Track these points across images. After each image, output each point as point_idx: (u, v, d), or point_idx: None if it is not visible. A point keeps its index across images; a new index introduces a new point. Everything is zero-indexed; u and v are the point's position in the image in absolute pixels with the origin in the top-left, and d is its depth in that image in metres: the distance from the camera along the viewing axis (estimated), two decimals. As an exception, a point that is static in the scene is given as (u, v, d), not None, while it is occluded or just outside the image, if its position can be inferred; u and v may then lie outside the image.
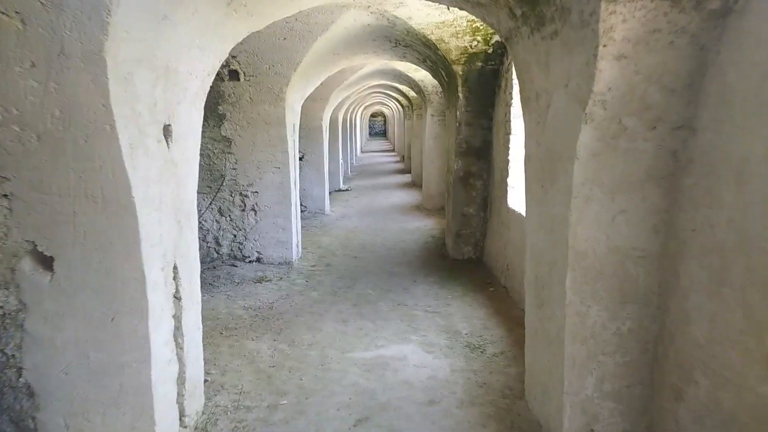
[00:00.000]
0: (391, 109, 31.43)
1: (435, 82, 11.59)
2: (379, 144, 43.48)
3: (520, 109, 6.08)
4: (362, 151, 33.96)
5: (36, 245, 2.66)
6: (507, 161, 6.26)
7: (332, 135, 15.49)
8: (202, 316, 5.80)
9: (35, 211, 2.62)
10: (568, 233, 2.85)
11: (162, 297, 3.03)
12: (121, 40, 2.42)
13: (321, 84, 10.77)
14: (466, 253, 7.53)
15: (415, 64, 8.82)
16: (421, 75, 11.40)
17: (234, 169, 7.27)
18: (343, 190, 15.96)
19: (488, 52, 6.60)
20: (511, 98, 6.16)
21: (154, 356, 2.89)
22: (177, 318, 3.27)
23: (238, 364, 4.44)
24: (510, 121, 6.19)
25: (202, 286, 6.70)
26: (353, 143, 24.91)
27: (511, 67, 6.16)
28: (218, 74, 6.66)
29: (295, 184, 7.74)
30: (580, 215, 2.82)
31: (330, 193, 15.00)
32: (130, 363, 2.84)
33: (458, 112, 7.13)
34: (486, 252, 7.33)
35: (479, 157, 7.30)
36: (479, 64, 6.72)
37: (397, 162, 26.10)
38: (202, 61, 3.44)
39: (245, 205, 7.37)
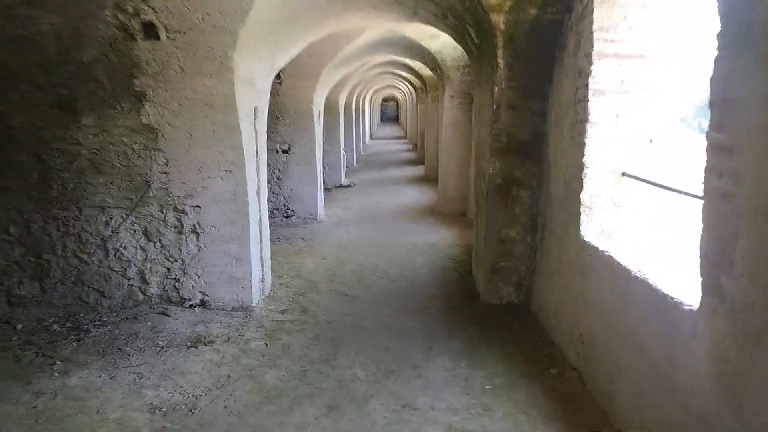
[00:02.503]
0: (403, 92, 28.96)
1: (455, 54, 9.15)
2: (391, 130, 40.96)
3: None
4: (372, 138, 31.53)
5: None
6: (580, 166, 3.86)
7: (332, 122, 13.12)
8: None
9: None
10: None
11: None
12: None
13: (308, 57, 8.42)
14: (505, 295, 5.16)
15: (431, 24, 6.40)
16: (438, 44, 8.96)
17: (164, 173, 4.94)
18: (345, 186, 13.61)
19: (549, -10, 4.18)
20: (590, 63, 3.75)
21: None
22: None
23: None
24: (587, 100, 3.78)
25: (105, 354, 4.43)
26: (361, 130, 22.50)
27: (592, 13, 3.74)
28: (125, 28, 4.30)
29: (258, 194, 5.40)
30: None
31: (329, 189, 12.74)
32: None
33: (496, 89, 4.73)
34: (536, 297, 4.95)
35: (526, 156, 4.91)
36: (533, 11, 4.30)
37: (409, 150, 23.66)
38: None
39: (182, 226, 5.05)
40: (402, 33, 8.54)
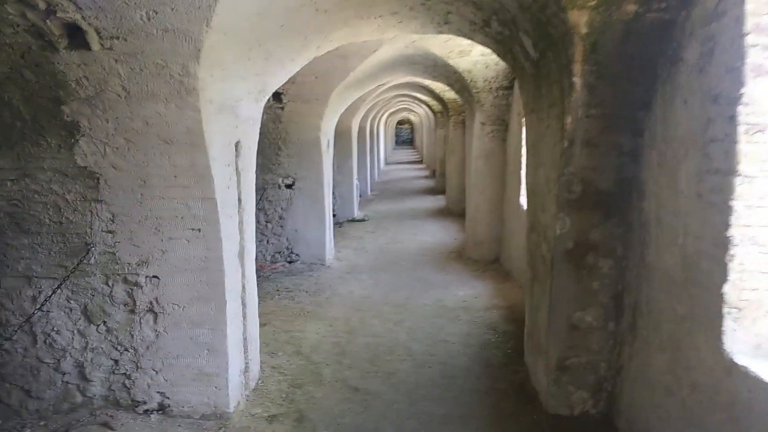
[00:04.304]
0: (419, 115, 27.78)
1: (487, 74, 7.83)
2: (406, 154, 39.74)
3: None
4: (387, 163, 30.31)
5: None
6: (721, 242, 2.47)
7: (344, 149, 11.89)
8: None
9: None
10: None
11: None
12: None
13: (315, 78, 7.17)
14: (577, 402, 3.72)
15: (464, 35, 5.10)
16: (468, 62, 7.65)
17: (109, 232, 3.62)
18: (358, 221, 12.27)
19: (657, -24, 2.83)
20: (739, 84, 2.38)
21: None
22: None
23: None
24: (734, 140, 2.40)
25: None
26: (375, 156, 21.23)
27: (741, 4, 2.38)
28: (39, 33, 3.01)
29: (242, 257, 4.06)
30: None
31: (340, 224, 11.43)
32: None
33: (569, 119, 3.36)
34: (625, 410, 3.51)
35: (608, 211, 3.52)
36: (631, 7, 2.95)
37: (426, 177, 22.32)
38: None
39: (135, 303, 3.72)
40: (425, 48, 7.25)
